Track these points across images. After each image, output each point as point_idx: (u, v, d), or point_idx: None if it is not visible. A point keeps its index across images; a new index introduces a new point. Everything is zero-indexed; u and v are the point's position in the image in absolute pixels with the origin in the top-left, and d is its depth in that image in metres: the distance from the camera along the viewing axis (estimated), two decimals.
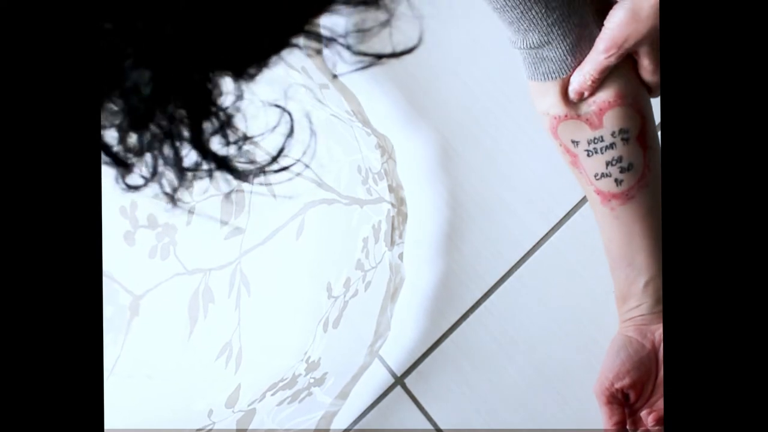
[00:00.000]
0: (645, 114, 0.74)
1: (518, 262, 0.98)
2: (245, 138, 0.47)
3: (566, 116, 0.73)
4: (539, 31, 0.68)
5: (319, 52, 0.47)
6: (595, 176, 0.75)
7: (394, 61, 1.08)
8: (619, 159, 0.74)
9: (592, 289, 0.94)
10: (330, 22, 0.47)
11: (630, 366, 0.80)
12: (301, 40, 0.45)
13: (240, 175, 0.48)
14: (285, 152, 0.49)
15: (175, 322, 0.72)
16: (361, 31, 0.47)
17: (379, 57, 0.48)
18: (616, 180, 0.75)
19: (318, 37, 0.46)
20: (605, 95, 0.71)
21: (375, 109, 0.97)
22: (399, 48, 0.50)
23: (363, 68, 0.49)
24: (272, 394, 0.80)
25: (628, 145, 0.73)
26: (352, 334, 0.89)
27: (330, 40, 0.47)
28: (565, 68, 0.70)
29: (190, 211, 0.69)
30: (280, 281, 0.78)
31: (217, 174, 0.47)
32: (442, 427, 0.97)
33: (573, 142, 0.74)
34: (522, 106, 0.97)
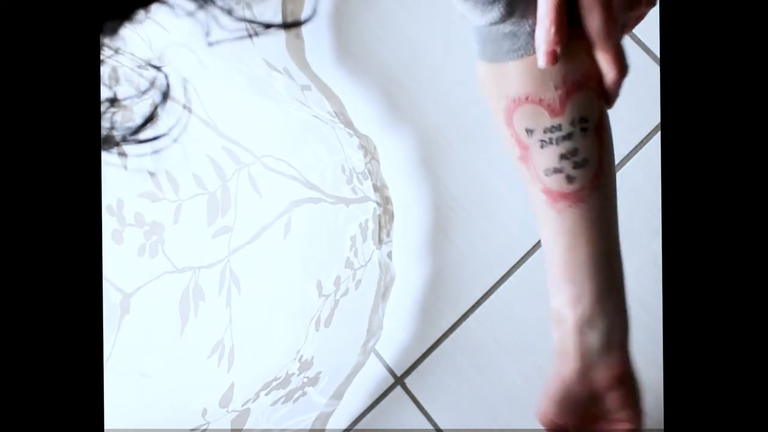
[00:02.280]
0: (602, 102, 0.68)
1: (519, 261, 0.98)
2: (110, 101, 0.43)
3: (527, 98, 0.67)
4: (500, 5, 0.64)
5: (191, 14, 0.42)
6: (545, 172, 0.68)
7: (376, 62, 1.09)
8: (574, 152, 0.67)
9: None
10: None
11: (572, 413, 0.74)
12: None
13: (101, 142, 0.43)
14: (155, 120, 0.45)
15: (167, 320, 0.72)
16: None
17: (267, 26, 0.44)
18: (567, 177, 0.68)
19: None
20: (574, 76, 0.66)
21: (357, 110, 0.97)
22: (290, 19, 0.45)
23: (244, 37, 0.44)
24: (266, 394, 0.80)
25: (586, 136, 0.67)
26: (345, 333, 0.89)
27: (206, 1, 0.42)
28: (532, 43, 0.65)
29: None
30: (269, 279, 0.78)
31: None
32: (442, 427, 0.97)
33: (527, 131, 0.68)
34: None
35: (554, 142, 0.67)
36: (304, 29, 0.88)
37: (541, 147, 0.68)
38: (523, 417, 0.96)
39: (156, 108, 0.45)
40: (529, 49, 0.65)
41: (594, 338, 0.72)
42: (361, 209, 0.87)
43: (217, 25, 0.43)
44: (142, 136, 0.45)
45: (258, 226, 0.76)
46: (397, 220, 0.95)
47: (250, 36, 0.45)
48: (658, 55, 0.94)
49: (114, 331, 0.69)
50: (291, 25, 0.54)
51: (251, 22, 0.45)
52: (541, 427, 0.99)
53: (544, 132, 0.67)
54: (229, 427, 0.79)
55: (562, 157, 0.67)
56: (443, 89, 0.99)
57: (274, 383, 0.81)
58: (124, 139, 0.45)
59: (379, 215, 0.91)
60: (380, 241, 0.91)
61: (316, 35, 0.96)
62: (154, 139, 0.46)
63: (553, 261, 0.71)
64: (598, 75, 0.67)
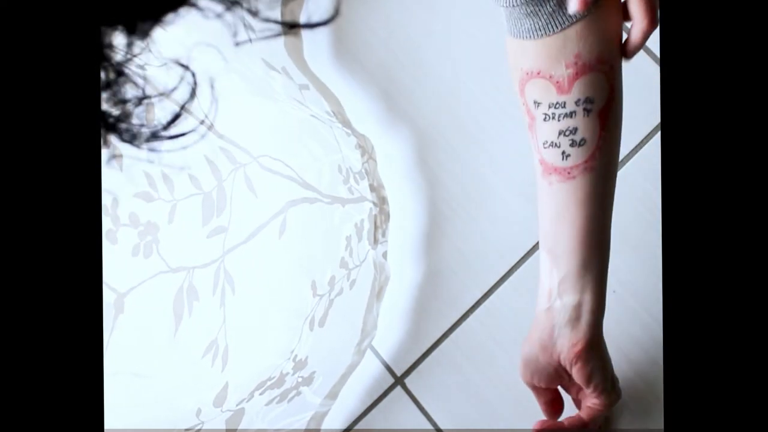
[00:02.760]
0: (615, 88, 0.71)
1: (519, 261, 0.97)
2: (139, 98, 0.44)
3: (539, 73, 0.70)
4: None
5: (219, 16, 0.44)
6: (543, 144, 0.72)
7: (375, 61, 1.09)
8: (574, 130, 0.70)
9: None
10: None
11: (539, 378, 0.80)
12: (201, 1, 0.43)
13: (127, 138, 0.45)
14: (182, 117, 0.46)
15: (161, 320, 0.73)
16: None
17: (291, 26, 0.46)
18: (563, 153, 0.71)
19: None
20: (586, 57, 0.68)
21: (355, 110, 0.97)
22: (314, 19, 0.47)
23: (268, 37, 0.46)
24: (260, 394, 0.80)
25: (588, 117, 0.70)
26: (339, 332, 0.89)
27: (233, 4, 0.44)
28: (552, 24, 0.68)
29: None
30: (264, 279, 0.79)
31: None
32: (442, 427, 0.97)
33: (535, 103, 0.71)
34: (505, 104, 0.97)
35: (556, 117, 0.70)
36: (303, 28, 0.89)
37: (545, 120, 0.71)
38: (523, 417, 0.96)
39: (184, 105, 0.46)
40: (548, 29, 0.68)
41: (561, 311, 0.75)
42: (356, 209, 0.87)
43: (244, 27, 0.45)
44: (171, 132, 0.46)
45: (253, 226, 0.76)
46: (395, 219, 0.96)
47: (273, 36, 0.47)
48: (658, 55, 0.93)
49: (108, 330, 0.70)
50: (314, 25, 0.56)
51: (277, 22, 0.46)
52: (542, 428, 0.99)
53: (549, 107, 0.70)
54: (223, 426, 0.79)
55: (561, 132, 0.70)
56: (442, 89, 0.99)
57: (269, 383, 0.81)
58: (154, 136, 0.46)
59: (375, 215, 0.91)
60: (375, 241, 0.91)
61: (314, 34, 0.96)
62: (183, 135, 0.47)
63: (541, 229, 0.75)
64: (612, 60, 0.70)
